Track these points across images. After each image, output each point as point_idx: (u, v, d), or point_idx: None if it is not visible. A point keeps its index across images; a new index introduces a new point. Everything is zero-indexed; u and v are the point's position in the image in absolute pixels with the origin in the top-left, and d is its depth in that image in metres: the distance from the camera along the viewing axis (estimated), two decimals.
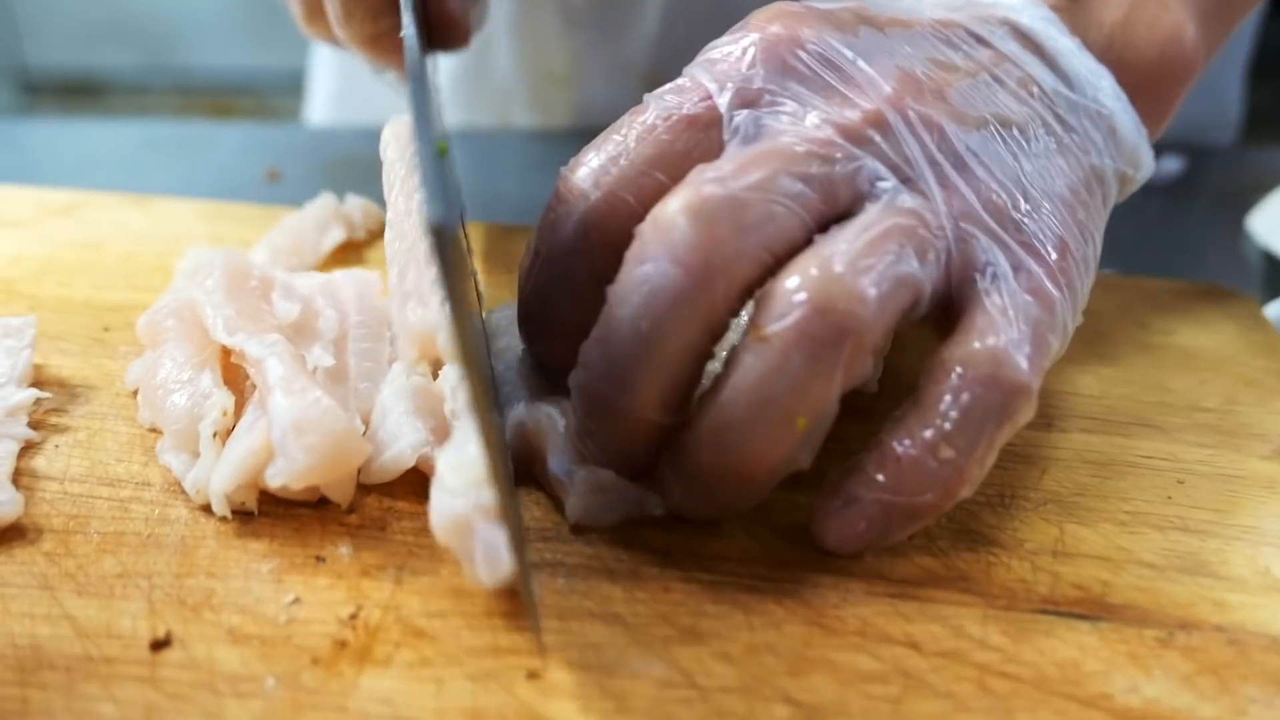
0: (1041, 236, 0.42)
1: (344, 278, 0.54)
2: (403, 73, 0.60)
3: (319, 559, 0.40)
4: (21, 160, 0.84)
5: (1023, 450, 0.48)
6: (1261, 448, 0.49)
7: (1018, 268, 0.41)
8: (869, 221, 0.39)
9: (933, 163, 0.41)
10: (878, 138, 0.41)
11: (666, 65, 0.89)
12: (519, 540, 0.37)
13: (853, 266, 0.37)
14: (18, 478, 0.43)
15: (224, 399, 0.43)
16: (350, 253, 0.63)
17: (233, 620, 0.37)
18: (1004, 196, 0.42)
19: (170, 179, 0.79)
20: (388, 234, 0.48)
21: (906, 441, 0.39)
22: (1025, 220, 0.42)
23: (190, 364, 0.45)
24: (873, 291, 0.37)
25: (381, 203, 0.67)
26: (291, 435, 0.40)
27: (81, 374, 0.50)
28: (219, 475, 0.41)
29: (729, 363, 0.38)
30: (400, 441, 0.43)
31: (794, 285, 0.37)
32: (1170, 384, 0.54)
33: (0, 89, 3.17)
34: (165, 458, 0.44)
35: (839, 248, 0.38)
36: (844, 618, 0.38)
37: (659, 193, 0.39)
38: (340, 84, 1.05)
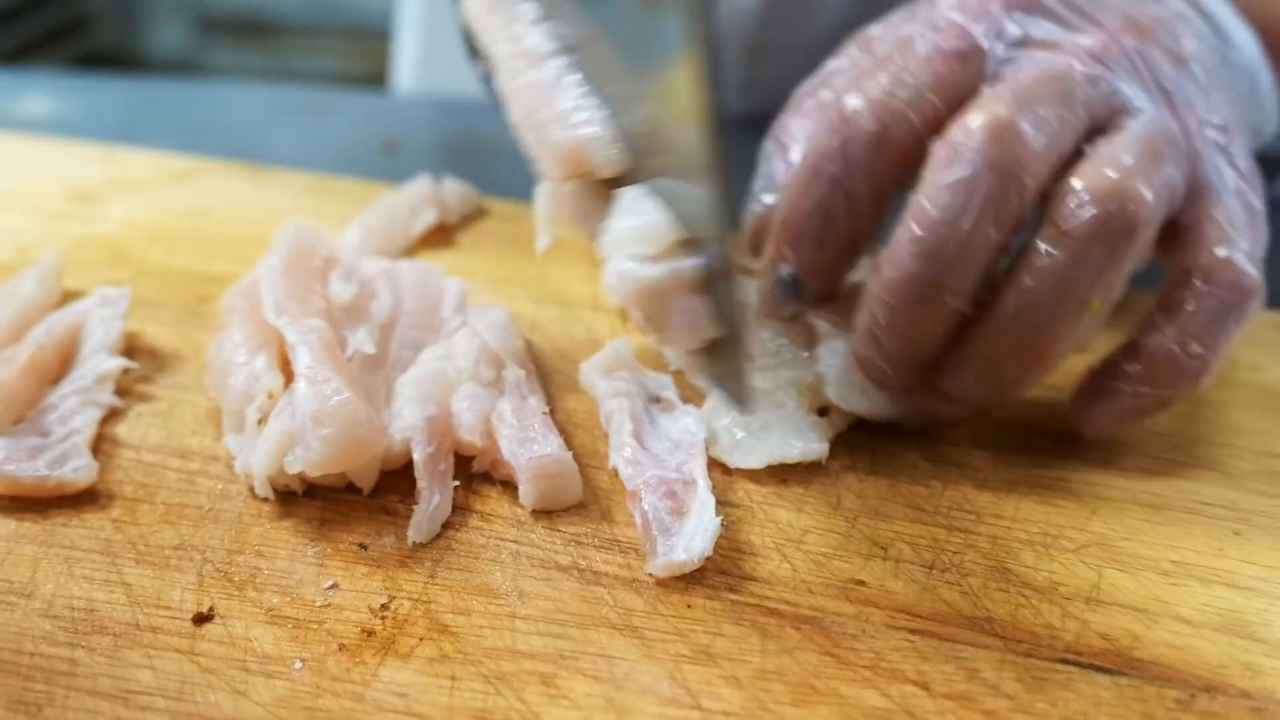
0: (1241, 158, 0.48)
1: (408, 266, 0.55)
2: None
3: (362, 546, 0.42)
4: (156, 119, 0.87)
5: (1076, 488, 0.47)
6: None
7: (1230, 184, 0.47)
8: (1139, 132, 0.45)
9: (1163, 90, 0.47)
10: (1122, 62, 0.46)
11: (771, 37, 0.89)
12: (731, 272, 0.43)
13: (1137, 168, 0.43)
14: (99, 443, 0.46)
15: (271, 382, 0.45)
16: (441, 235, 0.64)
17: (273, 600, 0.39)
18: (1215, 123, 0.48)
19: (292, 144, 0.82)
20: (500, 79, 0.50)
21: (1159, 340, 0.46)
22: (1231, 144, 0.48)
23: (248, 345, 0.47)
24: (1151, 191, 0.43)
25: (483, 185, 0.68)
26: (310, 426, 0.42)
27: (172, 344, 0.53)
28: (256, 457, 0.43)
29: (1023, 255, 0.44)
30: (391, 426, 0.45)
31: (1089, 183, 0.43)
32: (1246, 425, 0.52)
33: (180, 27, 3.29)
34: (227, 437, 0.46)
35: (1119, 153, 0.44)
36: (859, 650, 0.39)
37: (936, 115, 0.46)
38: (425, 50, 1.07)
